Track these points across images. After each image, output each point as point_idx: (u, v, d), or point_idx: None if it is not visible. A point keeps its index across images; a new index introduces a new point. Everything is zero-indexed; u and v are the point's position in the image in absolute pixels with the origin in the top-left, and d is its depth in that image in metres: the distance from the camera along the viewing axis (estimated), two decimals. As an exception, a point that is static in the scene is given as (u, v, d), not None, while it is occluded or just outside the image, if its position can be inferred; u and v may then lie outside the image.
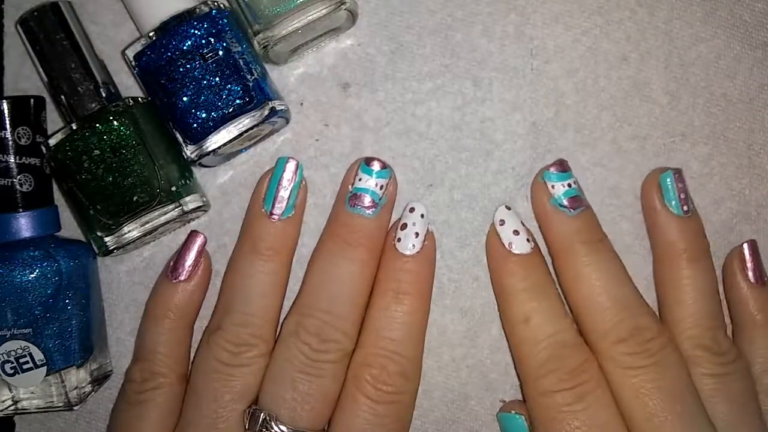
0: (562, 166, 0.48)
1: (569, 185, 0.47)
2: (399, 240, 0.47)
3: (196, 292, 0.48)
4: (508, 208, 0.48)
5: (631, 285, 0.47)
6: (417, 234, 0.47)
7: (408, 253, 0.47)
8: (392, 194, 0.48)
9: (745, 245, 0.49)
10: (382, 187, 0.47)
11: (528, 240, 0.47)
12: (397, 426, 0.46)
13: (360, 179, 0.47)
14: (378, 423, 0.45)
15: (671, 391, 0.44)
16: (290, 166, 0.47)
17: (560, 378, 0.44)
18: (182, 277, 0.48)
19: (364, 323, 0.47)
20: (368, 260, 0.47)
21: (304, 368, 0.45)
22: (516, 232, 0.47)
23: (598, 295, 0.45)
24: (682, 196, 0.48)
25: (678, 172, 0.48)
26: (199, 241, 0.49)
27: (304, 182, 0.48)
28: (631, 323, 0.45)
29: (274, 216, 0.47)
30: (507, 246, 0.47)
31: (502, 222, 0.47)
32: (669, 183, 0.48)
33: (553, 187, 0.47)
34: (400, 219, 0.48)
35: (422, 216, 0.47)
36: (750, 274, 0.48)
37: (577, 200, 0.47)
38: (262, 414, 0.45)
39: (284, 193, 0.47)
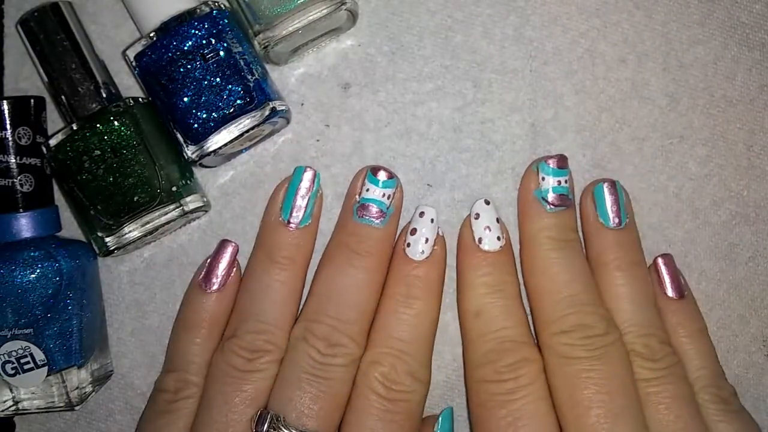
0: (560, 162, 0.48)
1: (559, 182, 0.47)
2: (408, 245, 0.47)
3: (228, 301, 0.48)
4: (487, 203, 0.48)
5: (590, 285, 0.47)
6: (427, 239, 0.47)
7: (417, 258, 0.47)
8: (399, 202, 0.48)
9: (660, 260, 0.49)
10: (389, 196, 0.47)
11: (499, 238, 0.47)
12: (407, 425, 0.46)
13: (367, 190, 0.47)
14: (389, 420, 0.45)
15: (605, 384, 0.44)
16: (308, 175, 0.48)
17: (497, 370, 0.45)
18: (215, 287, 0.48)
19: (373, 325, 0.47)
20: (376, 268, 0.47)
21: (312, 370, 0.45)
22: (488, 228, 0.47)
23: (554, 288, 0.46)
24: (614, 207, 0.48)
25: (611, 184, 0.48)
26: (230, 249, 0.49)
27: (320, 192, 0.49)
28: (577, 318, 0.45)
29: (291, 225, 0.47)
30: (477, 241, 0.47)
31: (477, 216, 0.48)
32: (602, 194, 0.48)
33: (543, 179, 0.47)
34: (409, 223, 0.48)
35: (432, 221, 0.47)
36: (668, 288, 0.49)
37: (562, 199, 0.47)
38: (269, 414, 0.44)
39: (302, 202, 0.47)
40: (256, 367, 0.46)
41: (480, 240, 0.47)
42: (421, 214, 0.48)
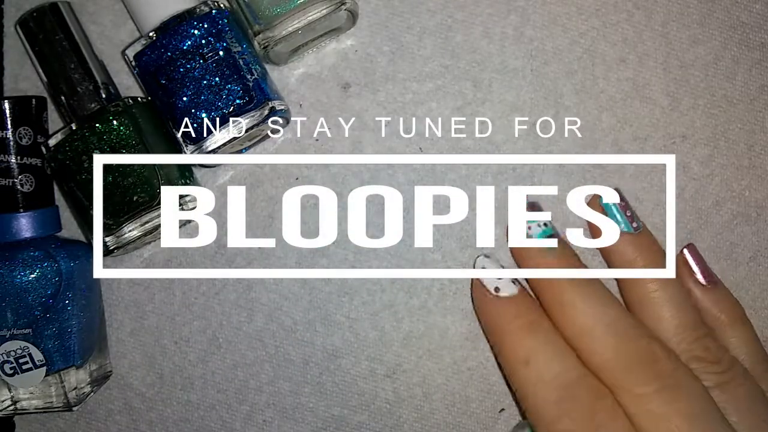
0: (535, 208, 0.48)
1: (545, 225, 0.47)
2: None
3: None
4: (487, 257, 0.48)
5: (621, 308, 0.45)
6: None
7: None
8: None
9: (686, 251, 0.49)
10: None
11: (513, 282, 0.46)
12: None
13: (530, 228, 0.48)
14: None
15: (690, 411, 0.42)
16: None
17: (573, 419, 0.42)
18: None
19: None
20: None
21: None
22: (499, 278, 0.47)
23: (590, 325, 0.44)
24: (628, 213, 0.47)
25: (617, 192, 0.48)
26: None
27: None
28: (632, 348, 0.43)
29: None
30: (493, 291, 0.46)
31: (484, 269, 0.47)
32: (611, 205, 0.48)
33: (529, 228, 0.47)
34: None
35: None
36: (699, 277, 0.48)
37: (552, 236, 0.47)
38: None
39: None
40: None
41: (497, 289, 0.46)
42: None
